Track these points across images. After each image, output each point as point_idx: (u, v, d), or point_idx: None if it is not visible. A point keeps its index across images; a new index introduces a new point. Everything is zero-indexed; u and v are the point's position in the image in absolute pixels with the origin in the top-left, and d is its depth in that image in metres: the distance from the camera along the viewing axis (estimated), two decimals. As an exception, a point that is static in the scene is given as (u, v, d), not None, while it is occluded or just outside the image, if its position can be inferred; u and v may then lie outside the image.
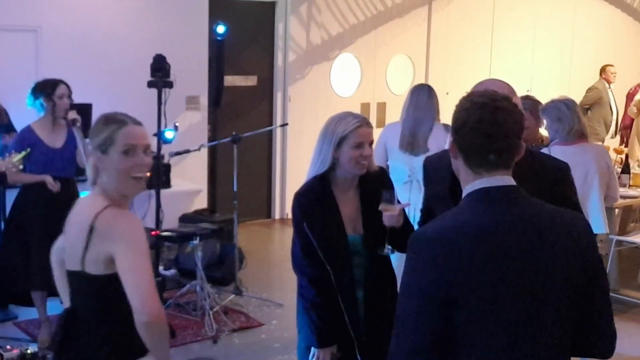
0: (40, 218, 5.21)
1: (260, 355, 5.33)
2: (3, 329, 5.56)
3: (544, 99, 5.13)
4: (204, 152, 7.91)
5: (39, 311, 5.32)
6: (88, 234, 2.46)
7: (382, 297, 3.26)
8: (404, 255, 2.11)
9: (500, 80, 2.90)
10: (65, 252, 2.63)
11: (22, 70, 7.00)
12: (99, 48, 7.56)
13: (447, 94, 7.74)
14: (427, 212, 3.00)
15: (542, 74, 11.12)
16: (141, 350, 2.46)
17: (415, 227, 3.21)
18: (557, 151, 5.08)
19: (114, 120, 2.56)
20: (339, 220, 3.22)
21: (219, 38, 7.50)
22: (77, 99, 5.40)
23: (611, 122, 10.32)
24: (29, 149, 4.92)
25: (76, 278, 2.56)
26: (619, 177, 6.51)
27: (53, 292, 5.31)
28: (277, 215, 9.25)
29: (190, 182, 7.93)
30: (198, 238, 5.82)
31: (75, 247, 2.51)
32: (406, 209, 3.28)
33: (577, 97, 8.68)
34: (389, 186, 3.33)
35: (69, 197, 5.30)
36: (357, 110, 7.68)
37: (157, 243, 6.05)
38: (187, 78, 7.62)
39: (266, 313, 6.06)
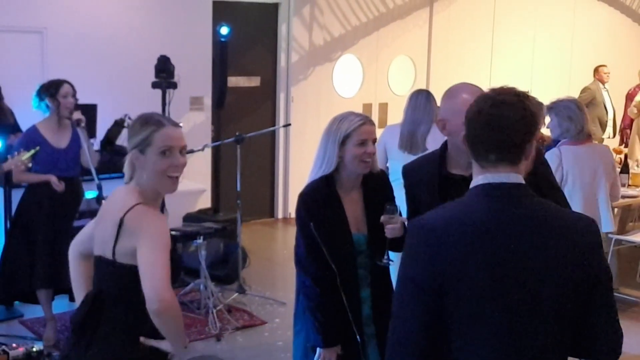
0: (45, 217, 5.25)
1: (263, 353, 5.36)
2: (9, 327, 5.58)
3: (544, 99, 5.16)
4: (208, 152, 7.93)
5: (45, 309, 5.34)
6: (118, 228, 2.56)
7: (386, 296, 3.22)
8: None
9: (473, 85, 2.93)
10: (96, 239, 2.71)
11: (28, 71, 7.04)
12: (103, 49, 7.59)
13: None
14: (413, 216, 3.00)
15: (542, 74, 11.14)
16: (157, 337, 2.56)
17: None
18: (567, 151, 5.12)
19: (152, 122, 2.64)
20: (344, 220, 3.23)
21: (222, 39, 7.51)
22: (82, 99, 5.43)
23: (606, 122, 10.33)
24: (38, 147, 4.94)
25: (105, 265, 2.65)
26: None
27: (58, 291, 5.40)
28: (280, 215, 9.28)
29: (194, 182, 7.92)
30: (202, 237, 5.85)
31: (108, 237, 2.61)
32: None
33: (576, 98, 8.70)
34: (390, 189, 3.37)
35: (73, 196, 5.39)
36: (359, 110, 7.67)
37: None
38: (191, 79, 7.67)
39: (269, 311, 6.09)
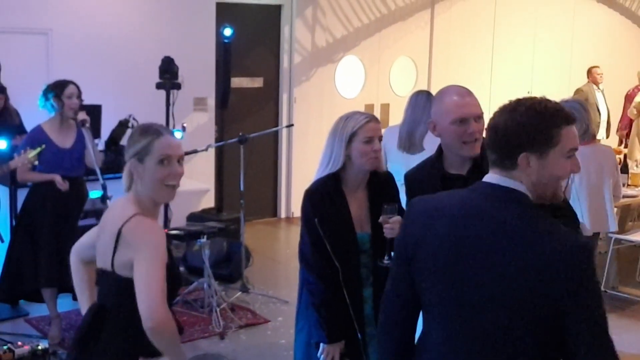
0: (49, 216, 5.27)
1: (266, 351, 5.38)
2: (14, 326, 5.60)
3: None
4: (211, 152, 7.96)
5: (49, 308, 5.36)
6: (116, 239, 2.57)
7: None
8: None
9: (462, 87, 2.97)
10: (98, 251, 2.72)
11: (34, 72, 7.07)
12: (108, 50, 7.63)
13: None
14: None
15: (542, 75, 11.15)
16: (157, 354, 2.55)
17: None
18: None
19: (151, 131, 2.67)
20: (348, 218, 3.25)
21: (225, 41, 7.55)
22: (87, 100, 5.46)
23: (599, 123, 10.32)
24: (43, 145, 4.97)
25: (106, 278, 2.66)
26: (618, 177, 6.59)
27: (63, 289, 5.42)
28: (282, 214, 9.30)
29: (197, 182, 7.94)
30: (205, 236, 5.86)
31: (107, 248, 2.62)
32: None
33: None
34: (395, 190, 3.38)
35: (77, 196, 5.40)
36: (361, 111, 7.71)
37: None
38: (194, 80, 7.71)
39: (272, 310, 6.12)
